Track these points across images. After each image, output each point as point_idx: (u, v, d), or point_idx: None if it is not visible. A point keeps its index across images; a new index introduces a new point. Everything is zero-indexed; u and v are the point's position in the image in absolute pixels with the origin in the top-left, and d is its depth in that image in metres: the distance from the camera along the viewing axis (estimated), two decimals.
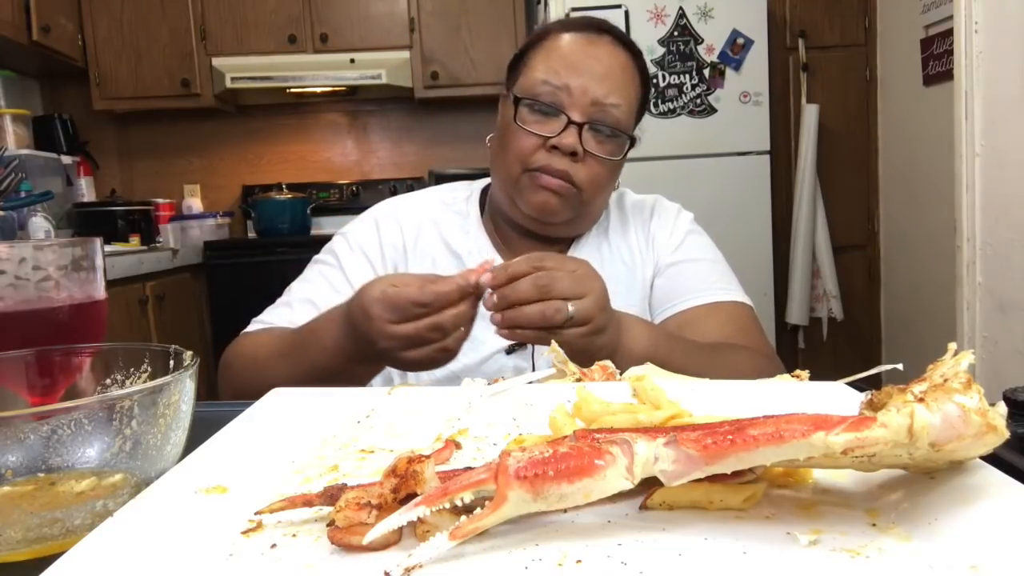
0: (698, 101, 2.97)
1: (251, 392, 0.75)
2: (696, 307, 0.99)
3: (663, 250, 1.05)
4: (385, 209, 1.09)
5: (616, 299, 0.99)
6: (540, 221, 0.98)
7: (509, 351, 0.97)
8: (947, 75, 2.40)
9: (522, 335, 0.74)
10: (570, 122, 0.93)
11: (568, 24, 1.01)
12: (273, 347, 0.90)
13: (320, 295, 0.98)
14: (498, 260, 1.03)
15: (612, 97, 0.94)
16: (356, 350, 0.78)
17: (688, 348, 0.87)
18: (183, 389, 0.46)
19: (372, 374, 0.87)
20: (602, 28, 1.00)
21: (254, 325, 1.00)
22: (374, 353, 0.76)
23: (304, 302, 0.98)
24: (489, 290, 0.74)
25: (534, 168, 0.94)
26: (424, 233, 1.05)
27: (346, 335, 0.78)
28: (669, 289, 1.03)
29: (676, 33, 2.93)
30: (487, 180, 1.11)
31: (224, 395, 0.94)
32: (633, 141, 0.98)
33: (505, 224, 1.04)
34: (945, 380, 0.37)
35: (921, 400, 0.35)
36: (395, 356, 0.74)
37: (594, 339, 0.75)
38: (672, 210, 1.11)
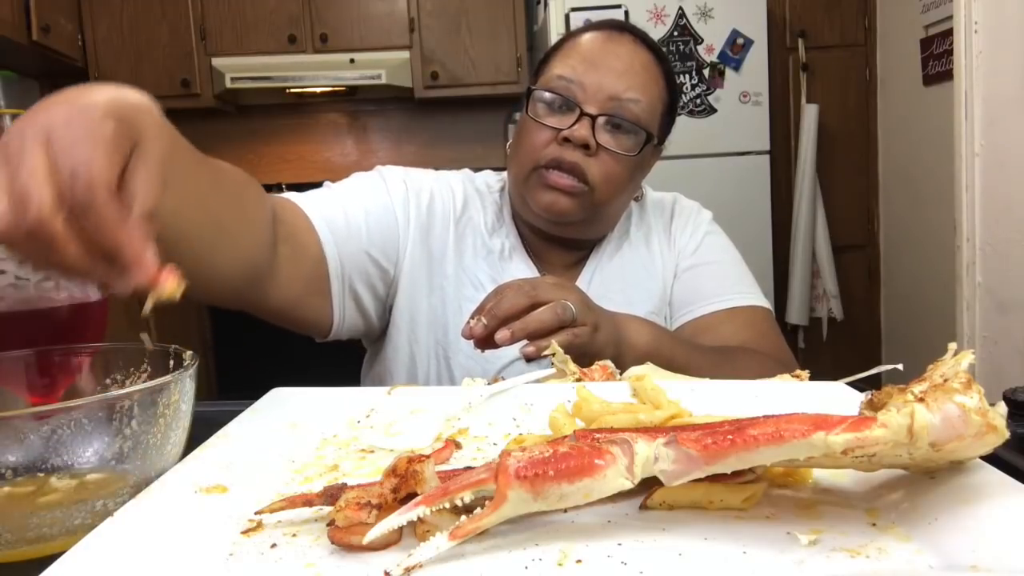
0: (698, 101, 2.96)
1: None
2: (713, 312, 0.97)
3: (681, 253, 1.04)
4: (438, 174, 1.05)
5: (636, 304, 0.98)
6: (551, 221, 0.95)
7: (529, 360, 0.94)
8: (947, 75, 2.40)
9: (544, 345, 0.71)
10: (583, 114, 0.90)
11: (589, 27, 0.99)
12: None
13: (358, 196, 0.94)
14: (530, 267, 1.01)
15: (631, 92, 0.91)
16: None
17: (692, 348, 0.87)
18: (183, 389, 0.46)
19: None
20: (624, 27, 0.98)
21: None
22: None
23: (339, 199, 0.92)
24: (473, 321, 0.73)
25: (544, 164, 0.91)
26: (467, 214, 1.01)
27: None
28: (687, 293, 1.01)
29: (676, 33, 2.93)
30: None
31: None
32: (651, 137, 0.93)
33: (524, 226, 1.02)
34: (945, 380, 0.37)
35: (921, 400, 0.35)
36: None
37: (596, 337, 0.75)
38: (692, 210, 1.08)
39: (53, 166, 0.40)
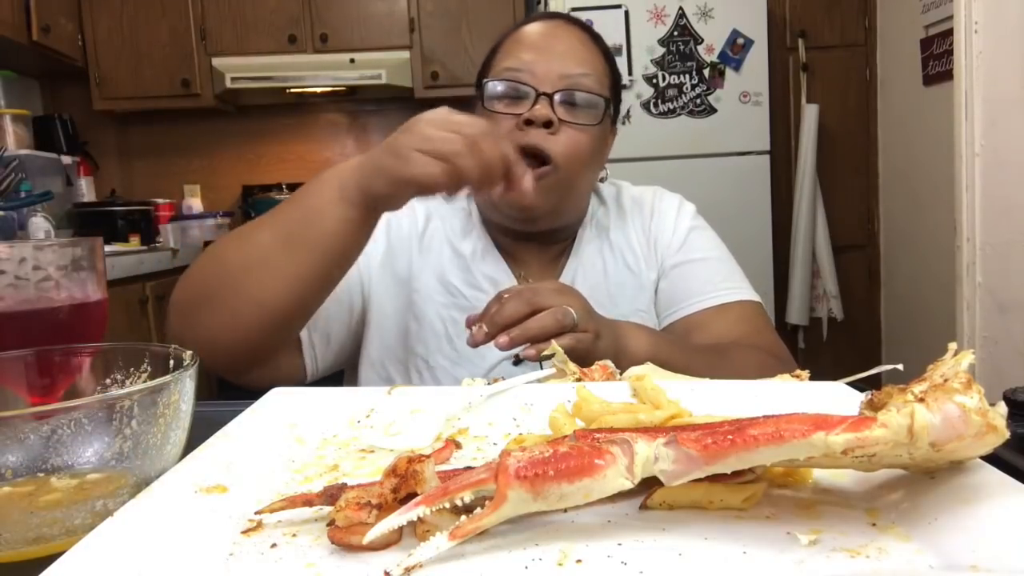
0: (698, 101, 2.96)
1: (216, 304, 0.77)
2: (703, 310, 0.97)
3: (666, 251, 1.02)
4: None
5: (623, 304, 0.98)
6: (523, 219, 0.95)
7: (516, 362, 0.95)
8: (947, 75, 2.40)
9: (543, 347, 0.72)
10: (539, 94, 0.91)
11: (523, 21, 1.01)
12: (254, 223, 0.82)
13: None
14: (503, 269, 1.01)
15: (579, 68, 0.93)
16: (364, 177, 0.74)
17: (690, 350, 0.87)
18: (183, 389, 0.46)
19: (360, 224, 0.77)
20: (557, 15, 1.01)
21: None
22: (390, 154, 0.72)
23: None
24: (475, 329, 0.74)
25: None
26: (431, 226, 1.02)
27: (356, 168, 0.75)
28: (674, 292, 1.00)
29: (676, 33, 2.93)
30: None
31: (177, 303, 0.82)
32: (608, 103, 0.95)
33: (494, 228, 1.01)
34: (945, 380, 0.37)
35: (921, 400, 0.35)
36: (406, 153, 0.71)
37: (598, 344, 0.75)
38: (673, 205, 1.06)
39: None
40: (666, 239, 1.03)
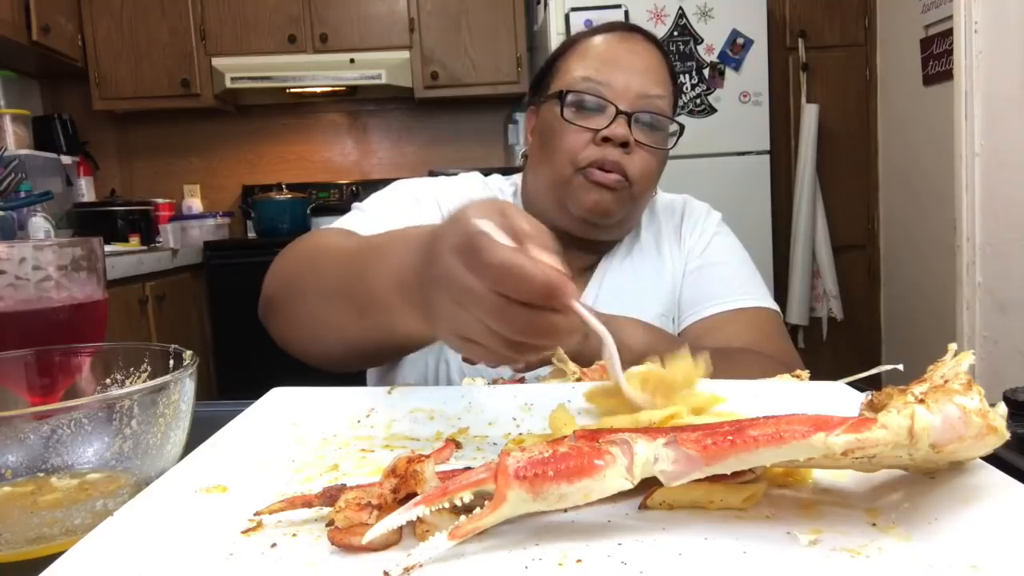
0: (698, 101, 2.96)
1: (294, 289, 0.73)
2: (719, 313, 0.98)
3: (690, 254, 1.04)
4: (424, 188, 1.02)
5: (646, 307, 0.98)
6: (591, 224, 0.96)
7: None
8: (947, 75, 2.40)
9: (534, 360, 0.72)
10: (619, 113, 0.92)
11: (595, 29, 1.01)
12: (337, 253, 0.71)
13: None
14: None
15: (656, 89, 0.94)
16: (416, 278, 0.53)
17: (690, 349, 0.87)
18: (183, 389, 0.46)
19: (411, 340, 0.65)
20: (632, 28, 1.01)
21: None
22: (429, 278, 0.51)
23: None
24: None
25: (586, 165, 0.92)
26: None
27: (417, 251, 0.54)
28: (693, 294, 1.01)
29: (676, 33, 2.93)
30: (519, 176, 1.09)
31: (266, 288, 0.78)
32: (683, 129, 0.97)
33: None
34: (945, 381, 0.37)
35: (922, 401, 0.35)
36: (444, 305, 0.49)
37: (587, 342, 0.75)
38: (701, 211, 1.09)
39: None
40: (691, 242, 1.06)
